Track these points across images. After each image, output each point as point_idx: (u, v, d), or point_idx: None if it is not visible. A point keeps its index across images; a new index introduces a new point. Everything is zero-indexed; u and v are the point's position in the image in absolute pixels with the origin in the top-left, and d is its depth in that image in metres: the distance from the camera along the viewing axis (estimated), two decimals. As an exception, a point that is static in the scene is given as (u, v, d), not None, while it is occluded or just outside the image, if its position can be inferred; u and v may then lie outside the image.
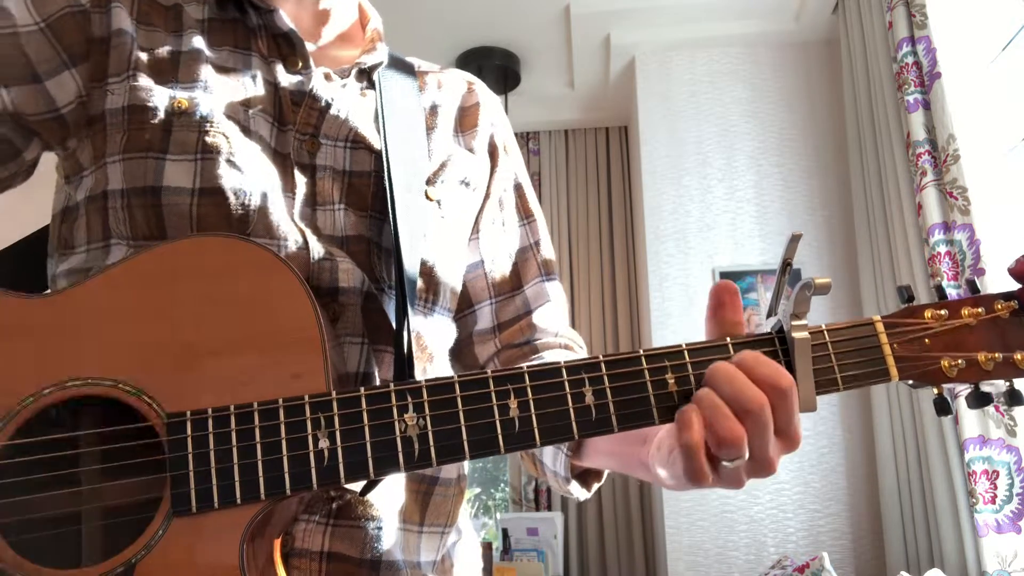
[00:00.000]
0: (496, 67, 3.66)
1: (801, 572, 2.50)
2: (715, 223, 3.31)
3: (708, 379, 0.57)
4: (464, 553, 0.81)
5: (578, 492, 0.82)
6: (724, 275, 3.22)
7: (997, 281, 2.11)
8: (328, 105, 0.77)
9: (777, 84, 3.41)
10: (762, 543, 3.00)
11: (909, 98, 2.48)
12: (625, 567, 3.61)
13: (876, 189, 2.78)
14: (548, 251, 0.93)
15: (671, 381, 0.60)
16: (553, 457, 0.80)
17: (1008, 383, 0.62)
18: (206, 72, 0.74)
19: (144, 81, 0.71)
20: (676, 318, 3.24)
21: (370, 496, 0.68)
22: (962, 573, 2.26)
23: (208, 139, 0.69)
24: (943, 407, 0.63)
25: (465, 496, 0.82)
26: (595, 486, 0.83)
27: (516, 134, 4.43)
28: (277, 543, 0.62)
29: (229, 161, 0.69)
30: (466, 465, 0.83)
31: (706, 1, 3.28)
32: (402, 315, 0.71)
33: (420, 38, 3.49)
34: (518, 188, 0.93)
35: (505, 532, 3.30)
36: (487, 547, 2.90)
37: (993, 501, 2.17)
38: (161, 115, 0.70)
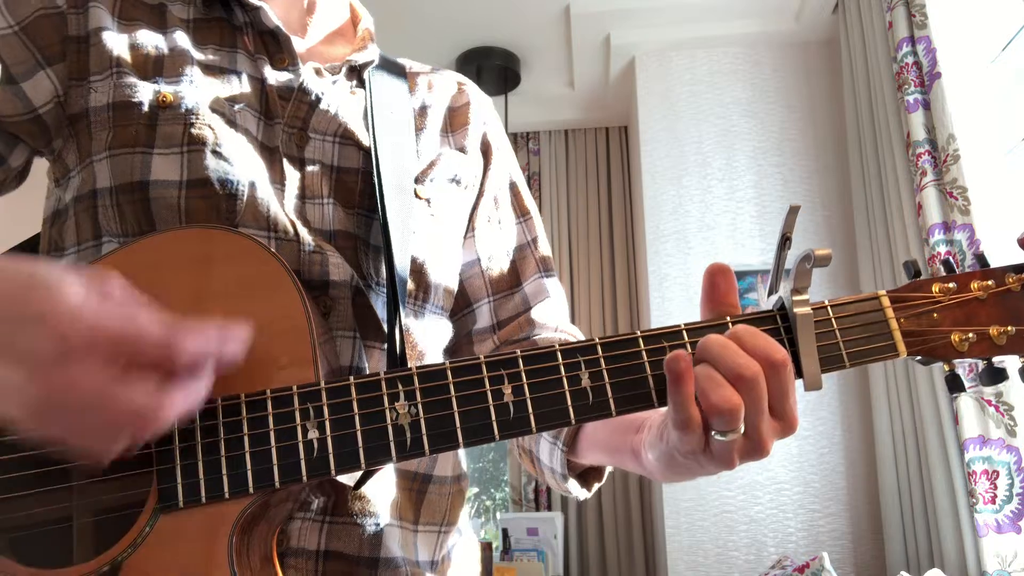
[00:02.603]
0: (496, 67, 3.65)
1: (801, 572, 2.49)
2: (715, 223, 3.30)
3: (700, 349, 0.56)
4: (462, 554, 0.80)
5: (577, 491, 0.81)
6: (724, 275, 3.21)
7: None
8: (318, 99, 0.77)
9: (777, 84, 3.40)
10: (762, 543, 2.99)
11: (909, 98, 2.47)
12: (625, 567, 3.61)
13: (876, 189, 2.77)
14: (545, 248, 0.92)
15: None
16: (549, 453, 0.79)
17: (1022, 359, 0.60)
18: (191, 69, 0.73)
19: (128, 78, 0.71)
20: (676, 318, 3.22)
21: (367, 492, 0.67)
22: (962, 573, 2.25)
23: (194, 131, 0.69)
24: (956, 383, 0.61)
25: (465, 496, 0.82)
26: (595, 486, 0.81)
27: (516, 134, 4.42)
28: (274, 542, 0.61)
29: (215, 152, 0.69)
30: (464, 463, 0.82)
31: (706, 1, 3.27)
32: (393, 312, 0.70)
33: (420, 38, 3.48)
34: (513, 186, 0.92)
35: (505, 532, 3.29)
36: (487, 547, 2.89)
37: (993, 501, 2.16)
38: (146, 110, 0.70)
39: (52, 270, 0.50)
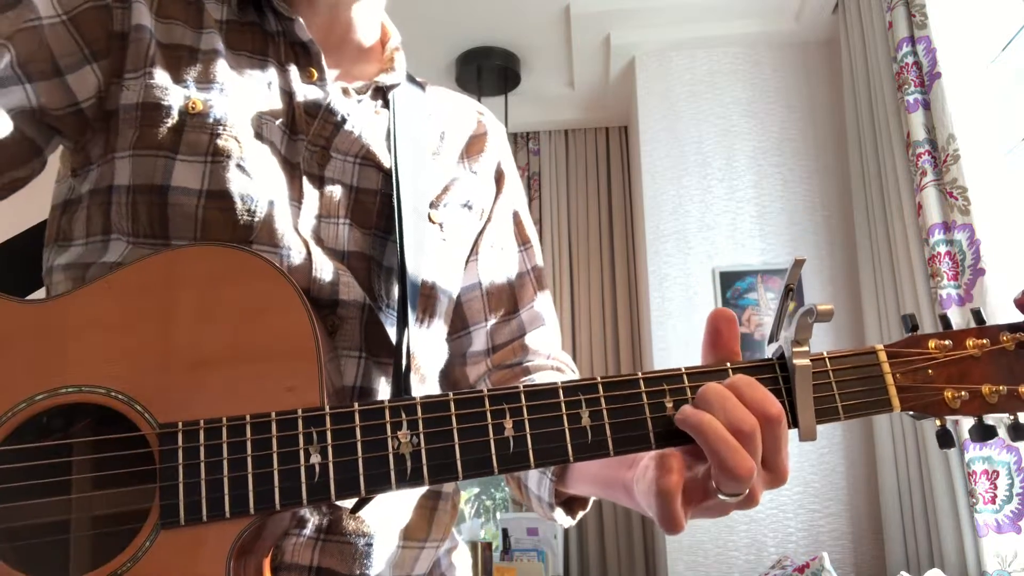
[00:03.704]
0: (496, 67, 3.65)
1: (801, 572, 2.49)
2: (715, 223, 3.30)
3: (699, 399, 0.57)
4: (456, 561, 0.81)
5: (562, 519, 0.81)
6: (724, 275, 3.21)
7: (997, 281, 2.10)
8: (343, 120, 0.77)
9: (777, 84, 3.40)
10: (762, 543, 3.00)
11: (909, 98, 2.47)
12: (625, 567, 3.61)
13: (876, 189, 2.78)
14: (543, 276, 0.94)
15: (669, 405, 0.59)
16: (538, 481, 0.80)
17: (1012, 416, 0.61)
18: (223, 74, 0.73)
19: (160, 79, 0.71)
20: (676, 318, 3.23)
21: (364, 512, 0.68)
22: (962, 573, 2.26)
23: (220, 142, 0.69)
24: (946, 439, 0.62)
25: (459, 507, 0.83)
26: (580, 514, 0.82)
27: (516, 134, 4.42)
28: (267, 560, 0.61)
29: (239, 166, 0.69)
30: None
31: (706, 1, 3.27)
32: (402, 332, 0.71)
33: (420, 38, 3.48)
34: (516, 215, 0.94)
35: (505, 532, 3.30)
36: (487, 547, 2.90)
37: (993, 501, 2.16)
38: (175, 115, 0.69)
39: None
